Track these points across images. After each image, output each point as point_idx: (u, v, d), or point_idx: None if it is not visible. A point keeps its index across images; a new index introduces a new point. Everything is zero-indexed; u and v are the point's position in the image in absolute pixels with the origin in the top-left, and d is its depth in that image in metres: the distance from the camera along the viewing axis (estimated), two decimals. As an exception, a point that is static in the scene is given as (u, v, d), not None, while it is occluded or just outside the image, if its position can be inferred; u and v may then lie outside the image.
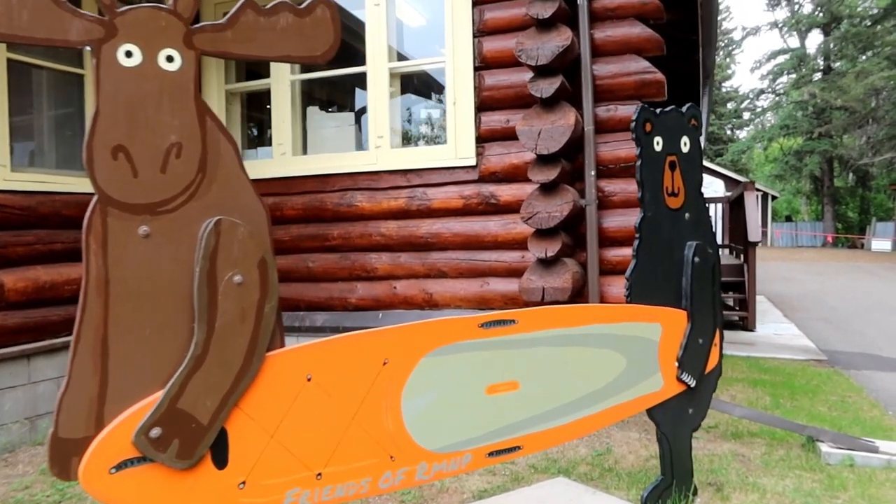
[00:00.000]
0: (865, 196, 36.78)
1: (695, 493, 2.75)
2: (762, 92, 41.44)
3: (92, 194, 1.46)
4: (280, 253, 4.75)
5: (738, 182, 25.29)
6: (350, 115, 5.04)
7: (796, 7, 37.38)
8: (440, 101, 4.37)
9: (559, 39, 3.60)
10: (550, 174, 3.65)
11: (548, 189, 3.73)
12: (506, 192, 4.15)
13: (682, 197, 2.66)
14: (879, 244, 28.86)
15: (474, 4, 4.22)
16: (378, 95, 4.45)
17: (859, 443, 3.43)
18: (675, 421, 2.67)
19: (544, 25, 3.67)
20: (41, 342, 3.97)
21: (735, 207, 10.55)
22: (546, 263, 3.74)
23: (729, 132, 48.05)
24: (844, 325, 8.69)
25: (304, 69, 4.81)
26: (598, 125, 3.86)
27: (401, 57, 4.82)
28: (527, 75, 3.89)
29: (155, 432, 1.50)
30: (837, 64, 34.07)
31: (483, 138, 4.22)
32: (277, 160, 4.73)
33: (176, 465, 1.53)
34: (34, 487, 3.19)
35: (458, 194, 4.26)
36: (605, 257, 3.95)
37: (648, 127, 2.52)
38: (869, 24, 31.55)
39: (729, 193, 14.53)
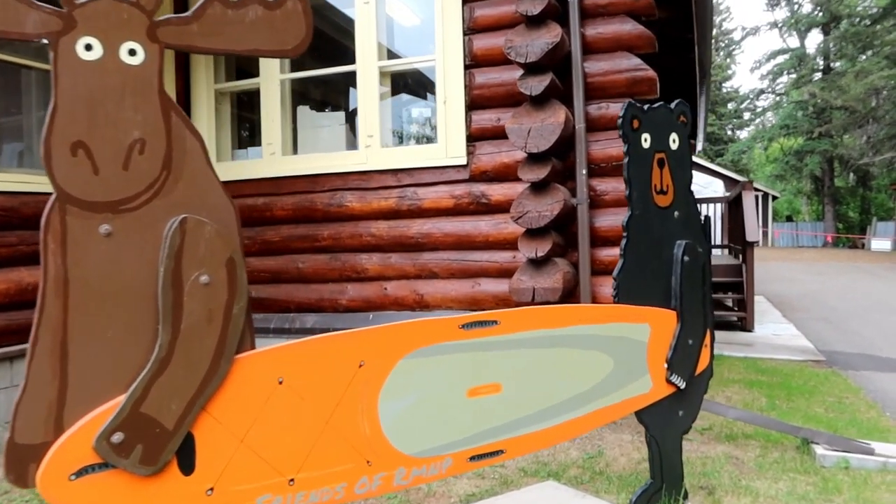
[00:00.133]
0: (866, 196, 36.71)
1: (685, 497, 2.69)
2: (762, 92, 41.40)
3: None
4: (270, 254, 4.71)
5: (738, 182, 25.22)
6: (341, 115, 5.00)
7: (796, 7, 37.32)
8: (432, 99, 4.32)
9: (549, 36, 3.55)
10: (540, 173, 3.60)
11: (538, 188, 3.68)
12: (497, 191, 4.11)
13: (671, 195, 2.61)
14: (879, 244, 28.78)
15: (464, 2, 4.18)
16: (368, 94, 4.40)
17: (855, 445, 3.37)
18: (665, 423, 2.61)
19: (534, 22, 3.63)
20: (24, 345, 3.91)
21: (734, 207, 10.50)
22: (536, 263, 3.69)
23: (730, 132, 47.98)
24: (843, 326, 8.63)
25: (294, 68, 4.77)
26: (589, 123, 3.82)
27: (393, 55, 4.78)
28: (518, 73, 3.84)
29: (117, 437, 1.45)
30: (837, 64, 34.00)
31: (474, 137, 4.18)
32: (267, 160, 4.68)
33: (139, 472, 1.48)
34: (13, 492, 3.14)
35: (448, 194, 4.21)
36: (598, 257, 3.90)
37: (636, 123, 2.47)
38: (868, 23, 31.47)
39: (728, 194, 14.48)
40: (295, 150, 4.97)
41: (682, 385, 2.59)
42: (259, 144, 4.84)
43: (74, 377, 1.44)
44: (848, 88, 29.18)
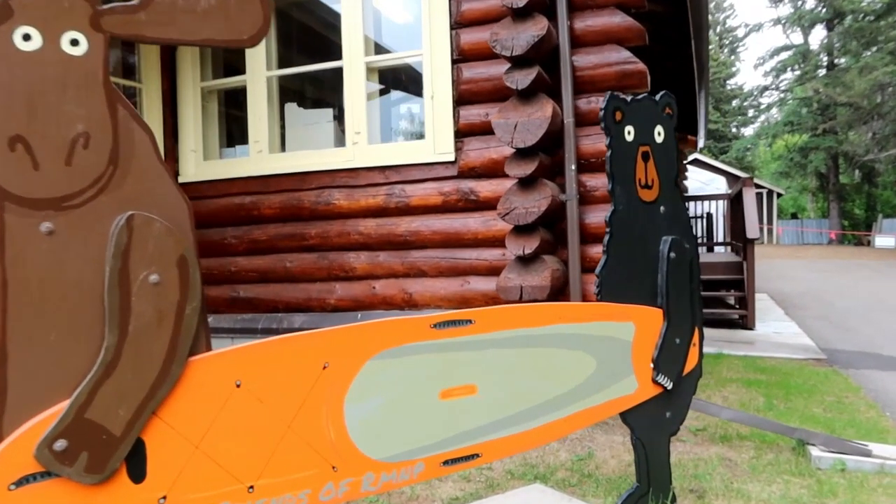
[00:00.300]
0: (872, 193, 36.46)
1: (673, 501, 2.62)
2: (766, 89, 41.14)
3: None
4: (258, 253, 4.65)
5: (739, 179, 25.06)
6: (329, 112, 4.93)
7: (799, 3, 37.06)
8: (420, 95, 4.24)
9: (535, 29, 3.47)
10: (527, 168, 3.52)
11: (526, 184, 3.60)
12: (486, 187, 4.03)
13: (656, 189, 2.53)
14: (883, 241, 28.57)
15: (452, -4, 4.11)
16: (355, 90, 4.33)
17: (851, 446, 3.29)
18: (651, 425, 2.54)
19: (520, 15, 3.55)
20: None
21: (735, 204, 10.41)
22: (524, 261, 3.61)
23: (734, 130, 47.75)
24: (846, 324, 8.53)
25: (281, 64, 4.71)
26: (578, 118, 3.74)
27: (382, 50, 4.71)
28: (505, 67, 3.76)
29: (60, 445, 1.38)
30: (842, 60, 33.75)
31: (462, 133, 4.10)
32: (254, 158, 4.62)
33: (85, 480, 1.42)
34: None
35: (437, 191, 4.14)
36: (588, 254, 3.83)
37: (618, 115, 2.40)
38: (872, 18, 31.21)
39: (730, 191, 14.38)
40: (283, 148, 4.91)
41: (669, 385, 2.52)
42: (248, 142, 4.78)
43: (14, 382, 1.37)
44: (852, 84, 28.95)
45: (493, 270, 4.02)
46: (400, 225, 4.23)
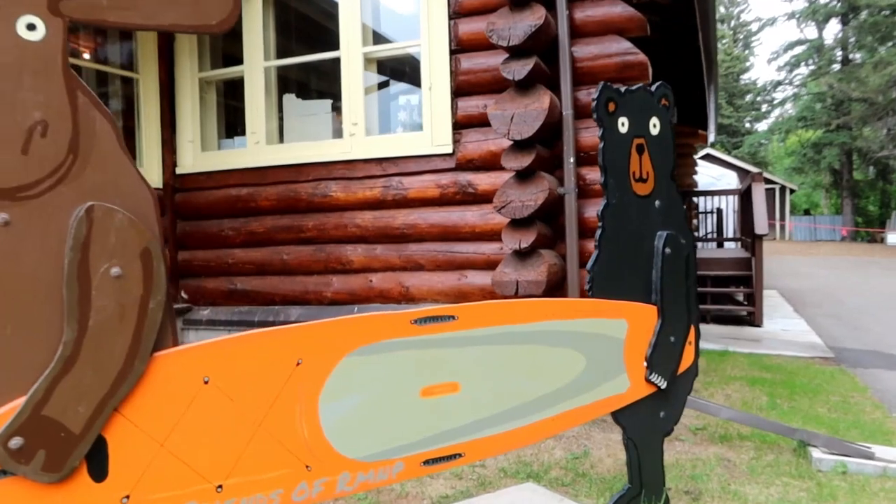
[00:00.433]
0: (886, 189, 35.98)
1: (666, 503, 2.55)
2: (779, 83, 40.67)
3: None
4: (255, 245, 4.61)
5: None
6: (327, 103, 4.87)
7: (813, -4, 36.59)
8: (419, 86, 4.18)
9: (532, 18, 3.40)
10: (524, 161, 3.45)
11: (523, 177, 3.53)
12: (484, 180, 3.97)
13: (651, 183, 2.46)
14: (895, 238, 28.22)
15: (451, -15, 4.03)
16: (352, 81, 4.27)
17: (853, 448, 3.21)
18: (644, 425, 2.48)
19: (517, 4, 3.47)
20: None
21: (746, 200, 10.27)
22: (521, 255, 3.55)
23: (748, 125, 47.29)
24: (855, 322, 8.40)
25: (280, 54, 4.65)
26: (578, 110, 3.66)
27: (382, 40, 4.63)
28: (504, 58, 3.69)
29: (15, 442, 1.33)
30: (857, 55, 33.28)
31: (460, 124, 4.04)
32: (251, 149, 4.57)
33: (42, 479, 1.37)
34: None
35: (434, 183, 4.07)
36: (587, 249, 3.75)
37: (612, 106, 2.33)
38: (888, 13, 30.74)
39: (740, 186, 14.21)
40: (281, 140, 4.85)
41: (663, 385, 2.45)
42: (245, 133, 4.73)
43: (-32, 377, 1.33)
44: (867, 80, 28.54)
45: (491, 264, 3.96)
46: (397, 218, 4.17)
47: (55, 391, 1.37)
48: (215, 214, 4.71)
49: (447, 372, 1.94)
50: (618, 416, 2.39)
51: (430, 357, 1.90)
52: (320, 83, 5.92)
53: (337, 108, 4.65)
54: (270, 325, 4.45)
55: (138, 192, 1.49)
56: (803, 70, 38.28)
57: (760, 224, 7.89)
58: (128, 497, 1.47)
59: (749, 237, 9.08)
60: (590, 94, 3.70)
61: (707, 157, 26.97)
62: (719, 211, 13.16)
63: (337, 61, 4.39)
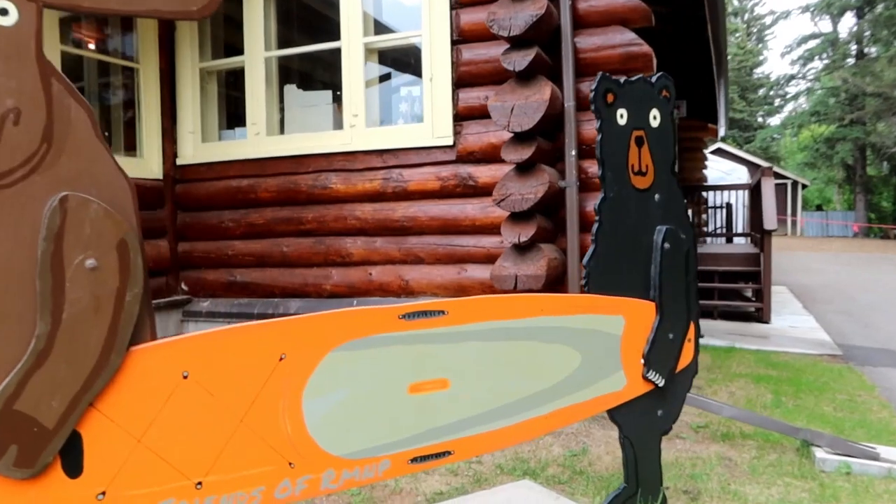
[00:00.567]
0: (900, 185, 35.58)
1: (663, 503, 2.51)
2: (793, 77, 40.22)
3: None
4: (254, 237, 4.58)
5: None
6: (328, 94, 4.82)
7: (829, -11, 36.09)
8: (421, 77, 4.12)
9: (533, 8, 3.33)
10: (524, 153, 3.40)
11: (523, 169, 3.48)
12: (484, 173, 3.91)
13: (650, 176, 2.40)
14: (907, 233, 27.92)
15: (453, -26, 3.97)
16: (353, 71, 4.22)
17: (858, 448, 3.14)
18: (641, 424, 2.43)
19: (519, -7, 3.41)
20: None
21: (755, 195, 10.16)
22: (520, 249, 3.50)
23: (760, 119, 46.86)
24: (865, 319, 8.29)
25: (281, 45, 4.61)
26: (580, 102, 3.60)
27: (383, 30, 4.58)
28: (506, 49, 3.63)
29: (-14, 437, 1.30)
30: (872, 49, 32.83)
31: (461, 116, 3.98)
32: (252, 141, 4.54)
33: (14, 475, 1.34)
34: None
35: (434, 175, 4.03)
36: (589, 243, 3.68)
37: (610, 97, 2.27)
38: (905, 6, 30.31)
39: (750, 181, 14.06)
40: (282, 131, 4.82)
41: (661, 382, 2.40)
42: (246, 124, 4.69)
43: (-63, 370, 1.30)
44: (881, 74, 28.16)
45: (491, 258, 3.91)
46: (397, 210, 4.13)
47: (28, 385, 1.34)
48: (215, 206, 4.68)
49: (436, 368, 1.90)
50: (614, 413, 2.34)
51: (418, 353, 1.86)
52: (322, 74, 5.88)
53: (338, 99, 4.60)
54: (270, 318, 4.42)
55: (115, 182, 1.46)
56: (817, 64, 37.84)
57: (769, 219, 7.81)
58: (104, 493, 1.44)
59: (758, 232, 8.98)
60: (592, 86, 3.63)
61: (718, 152, 26.71)
62: (729, 206, 13.02)
63: (338, 52, 4.34)
